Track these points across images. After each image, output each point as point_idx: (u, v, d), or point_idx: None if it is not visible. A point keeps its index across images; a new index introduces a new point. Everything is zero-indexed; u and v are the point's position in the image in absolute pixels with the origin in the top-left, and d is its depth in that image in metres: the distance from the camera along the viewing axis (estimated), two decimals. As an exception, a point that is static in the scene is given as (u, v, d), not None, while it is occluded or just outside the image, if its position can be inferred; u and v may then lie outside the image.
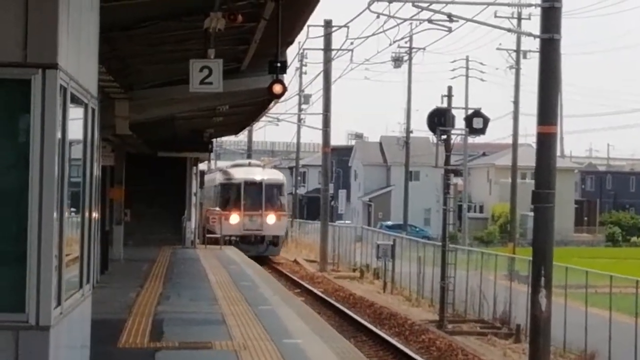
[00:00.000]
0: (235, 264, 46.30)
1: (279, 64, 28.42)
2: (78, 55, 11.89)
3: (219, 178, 73.92)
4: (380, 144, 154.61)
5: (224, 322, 25.42)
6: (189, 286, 35.45)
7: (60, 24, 10.66)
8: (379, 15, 46.59)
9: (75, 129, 12.16)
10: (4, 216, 10.69)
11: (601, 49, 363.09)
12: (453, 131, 49.60)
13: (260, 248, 63.28)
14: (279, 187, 67.49)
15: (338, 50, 77.32)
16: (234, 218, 64.09)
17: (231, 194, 68.26)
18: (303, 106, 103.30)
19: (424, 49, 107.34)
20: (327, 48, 77.92)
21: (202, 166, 76.94)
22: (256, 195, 65.18)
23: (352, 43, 78.76)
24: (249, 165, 73.38)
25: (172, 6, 18.71)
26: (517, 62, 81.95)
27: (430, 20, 47.34)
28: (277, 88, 29.63)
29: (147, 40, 23.66)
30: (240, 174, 67.95)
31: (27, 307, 10.42)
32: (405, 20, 50.02)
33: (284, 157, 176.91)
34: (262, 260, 58.86)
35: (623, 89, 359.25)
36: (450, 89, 53.05)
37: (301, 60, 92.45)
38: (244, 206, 64.96)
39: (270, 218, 63.48)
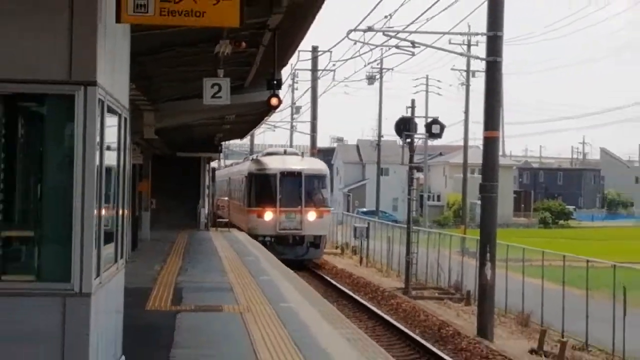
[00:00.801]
0: (240, 243, 45.99)
1: (275, 82, 28.69)
2: (112, 74, 11.86)
3: (249, 168, 55.10)
4: (357, 146, 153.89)
5: (231, 289, 25.43)
6: (203, 261, 35.41)
7: (98, 49, 10.63)
8: (355, 42, 47.03)
9: (111, 134, 12.15)
10: (54, 206, 10.69)
11: (538, 69, 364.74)
12: (416, 135, 49.90)
13: (299, 250, 47.48)
14: (321, 178, 51.28)
15: (322, 70, 77.39)
16: (268, 215, 47.83)
17: (264, 187, 49.80)
18: (295, 115, 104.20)
19: (392, 69, 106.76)
20: (314, 69, 77.79)
21: (214, 164, 75.84)
22: (294, 189, 48.56)
23: (334, 65, 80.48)
24: (285, 153, 56.21)
25: (189, 35, 18.64)
26: (467, 80, 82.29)
27: (397, 46, 47.57)
28: (274, 101, 29.90)
29: (168, 62, 23.63)
30: (275, 164, 50.40)
31: (72, 277, 10.40)
32: (377, 46, 50.31)
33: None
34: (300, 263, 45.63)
35: (554, 100, 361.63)
36: (413, 101, 53.58)
37: (293, 79, 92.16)
38: (279, 201, 47.83)
39: (311, 215, 47.50)
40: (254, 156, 63.43)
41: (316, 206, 48.51)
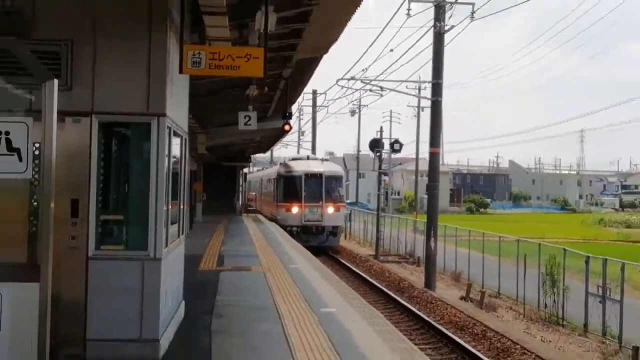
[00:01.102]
0: (263, 224, 46.01)
1: (287, 114, 28.91)
2: (176, 109, 11.87)
3: (278, 171, 51.08)
4: (343, 158, 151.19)
5: (257, 256, 25.39)
6: (238, 236, 35.32)
7: (167, 92, 10.64)
8: (342, 87, 47.48)
9: (176, 150, 12.17)
10: (137, 201, 10.70)
11: (467, 106, 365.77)
12: (383, 151, 49.94)
13: (320, 238, 44.64)
14: (337, 179, 48.31)
15: (319, 106, 77.46)
16: (295, 209, 45.18)
17: (291, 186, 46.57)
18: (301, 137, 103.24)
19: (367, 105, 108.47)
20: (314, 105, 77.28)
21: (245, 170, 75.53)
22: (316, 187, 45.69)
23: (327, 102, 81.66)
24: (308, 158, 52.47)
25: (228, 82, 18.61)
26: (418, 113, 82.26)
27: (370, 90, 47.94)
28: (286, 127, 30.15)
29: (214, 100, 23.57)
30: (300, 167, 47.57)
31: (149, 247, 10.42)
32: (356, 90, 51.35)
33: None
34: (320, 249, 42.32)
35: (477, 126, 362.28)
36: (381, 127, 53.20)
37: (299, 112, 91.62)
38: (304, 198, 45.16)
39: (330, 209, 45.05)
40: (282, 161, 59.54)
41: (334, 202, 45.81)
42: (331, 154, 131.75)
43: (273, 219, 47.62)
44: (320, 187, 45.27)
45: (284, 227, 42.05)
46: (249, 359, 10.77)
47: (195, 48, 11.79)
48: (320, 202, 44.57)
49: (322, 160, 53.27)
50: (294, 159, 52.56)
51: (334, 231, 45.54)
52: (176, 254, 12.62)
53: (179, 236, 12.93)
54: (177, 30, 11.54)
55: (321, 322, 13.57)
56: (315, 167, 47.30)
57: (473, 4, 33.16)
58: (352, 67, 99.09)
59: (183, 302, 13.58)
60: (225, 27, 13.11)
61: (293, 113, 38.59)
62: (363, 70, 55.23)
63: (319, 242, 43.47)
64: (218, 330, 12.59)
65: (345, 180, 53.85)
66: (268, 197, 56.63)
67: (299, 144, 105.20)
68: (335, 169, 49.30)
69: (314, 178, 45.72)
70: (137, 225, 10.68)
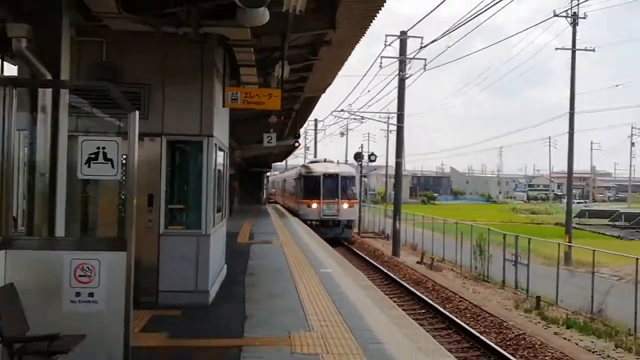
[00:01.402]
0: (280, 211, 46.01)
1: (297, 135, 28.76)
2: (220, 131, 11.86)
3: (299, 172, 43.91)
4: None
5: (276, 233, 25.36)
6: (263, 218, 35.36)
7: (215, 119, 10.64)
8: (335, 116, 47.80)
9: (220, 160, 12.17)
10: (194, 195, 10.67)
11: (421, 128, 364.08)
12: (363, 161, 49.71)
13: (337, 231, 38.72)
14: (351, 178, 41.95)
15: (319, 129, 77.59)
16: (314, 205, 39.20)
17: (311, 185, 40.01)
18: (306, 151, 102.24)
19: (352, 129, 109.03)
20: (315, 129, 77.59)
21: (268, 173, 75.03)
22: (333, 186, 39.62)
23: (324, 127, 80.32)
24: (325, 161, 45.65)
25: (256, 113, 18.54)
26: (387, 134, 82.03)
27: (354, 118, 47.73)
28: (296, 144, 30.30)
29: (247, 125, 23.47)
30: (319, 168, 41.44)
31: (202, 227, 10.42)
32: (345, 118, 51.00)
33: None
34: (336, 241, 36.83)
35: (428, 143, 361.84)
36: (362, 145, 54.30)
37: (305, 133, 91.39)
38: (322, 195, 39.21)
39: (345, 205, 39.18)
40: (303, 164, 48.86)
41: (348, 199, 39.88)
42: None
43: (295, 214, 41.49)
44: (336, 185, 39.84)
45: (305, 221, 36.59)
46: (269, 302, 10.75)
47: (233, 89, 11.82)
48: (337, 199, 39.29)
49: (338, 162, 48.33)
50: (312, 162, 47.13)
51: (349, 224, 40.38)
52: (220, 232, 12.62)
53: (222, 219, 12.93)
54: (220, 77, 11.54)
55: (320, 278, 13.59)
56: (332, 168, 42.17)
57: (425, 59, 33.13)
58: (341, 103, 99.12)
59: (225, 265, 13.58)
60: (254, 75, 13.13)
61: (301, 134, 38.38)
62: (349, 105, 56.62)
63: (335, 234, 38.21)
64: (249, 284, 12.59)
65: (357, 181, 46.20)
66: (290, 194, 48.91)
67: (305, 156, 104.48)
68: (349, 170, 43.89)
69: (331, 178, 40.29)
70: (193, 212, 10.67)
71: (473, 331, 15.17)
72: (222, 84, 11.68)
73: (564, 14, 29.95)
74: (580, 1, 29.17)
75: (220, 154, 12.08)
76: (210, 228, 10.64)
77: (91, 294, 6.21)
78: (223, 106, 11.68)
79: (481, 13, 16.61)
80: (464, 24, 16.06)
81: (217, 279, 11.91)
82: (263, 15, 8.53)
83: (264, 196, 64.73)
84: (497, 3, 13.42)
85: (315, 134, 75.25)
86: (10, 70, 10.85)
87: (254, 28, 9.57)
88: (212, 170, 10.75)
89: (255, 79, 13.33)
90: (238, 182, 46.25)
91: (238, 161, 38.47)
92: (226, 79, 12.24)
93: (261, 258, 17.03)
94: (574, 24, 30.17)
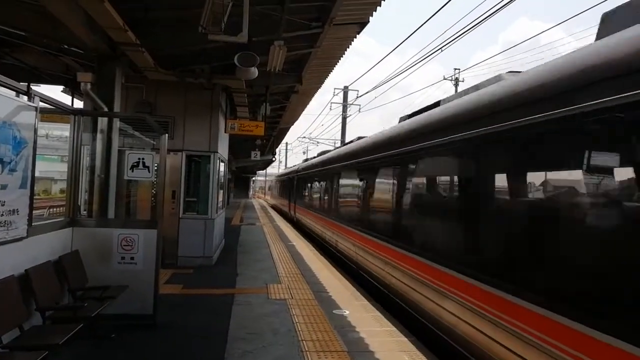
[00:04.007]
0: (261, 204, 45.50)
1: (274, 153, 28.38)
2: (222, 148, 11.74)
3: (291, 177, 30.66)
4: None
5: (259, 219, 25.11)
6: (250, 209, 34.95)
7: (219, 140, 10.53)
8: (300, 141, 46.85)
9: (222, 169, 12.02)
10: (203, 191, 10.52)
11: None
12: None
13: None
14: None
15: (288, 150, 77.16)
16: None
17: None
18: (280, 163, 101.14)
19: (311, 149, 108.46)
20: (286, 150, 76.37)
21: (254, 178, 74.15)
22: None
23: (292, 148, 79.33)
24: None
25: (246, 137, 18.44)
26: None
27: (314, 143, 47.34)
28: (273, 159, 29.59)
29: (240, 146, 23.19)
30: None
31: (208, 213, 10.27)
32: (306, 143, 50.24)
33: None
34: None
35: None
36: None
37: (279, 151, 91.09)
38: None
39: None
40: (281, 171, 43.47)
41: None
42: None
43: (285, 213, 29.57)
44: None
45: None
46: (254, 265, 10.62)
47: (232, 121, 11.69)
48: None
49: None
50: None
51: None
52: (221, 217, 12.48)
53: (222, 208, 12.79)
54: (223, 112, 11.44)
55: (288, 248, 13.52)
56: None
57: (360, 105, 33.46)
58: (304, 131, 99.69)
59: (224, 239, 13.41)
60: (246, 112, 13.05)
61: (276, 152, 38.15)
62: (310, 133, 55.85)
63: None
64: (240, 252, 12.42)
65: None
66: (281, 195, 36.77)
67: (278, 167, 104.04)
68: None
69: None
70: (203, 203, 10.52)
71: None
72: (224, 117, 11.59)
73: (450, 79, 30.64)
74: (460, 71, 29.90)
75: (222, 164, 11.96)
76: (214, 214, 10.51)
77: (132, 258, 6.10)
78: (225, 132, 11.57)
79: (397, 76, 16.77)
80: (385, 83, 16.27)
81: (218, 249, 11.77)
82: (253, 72, 8.53)
83: (251, 193, 64.48)
84: (407, 70, 13.63)
85: (286, 152, 74.62)
86: (78, 104, 10.67)
87: (247, 81, 9.55)
88: (216, 175, 10.65)
89: (247, 114, 13.24)
90: (233, 184, 45.82)
91: (234, 169, 38.07)
92: (227, 114, 12.14)
93: (248, 235, 16.85)
94: (456, 85, 30.90)
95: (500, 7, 8.04)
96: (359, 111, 33.57)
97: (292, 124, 21.34)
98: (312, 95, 13.96)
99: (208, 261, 10.27)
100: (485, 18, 8.67)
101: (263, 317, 6.40)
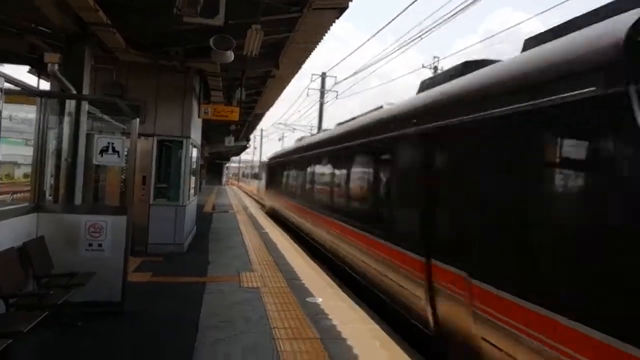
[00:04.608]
0: (235, 190, 45.27)
1: (248, 139, 28.21)
2: (195, 134, 11.65)
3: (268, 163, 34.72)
4: None
5: (232, 206, 25.04)
6: (223, 195, 34.75)
7: (192, 125, 10.45)
8: (275, 127, 46.61)
9: (194, 154, 11.94)
10: (175, 178, 10.46)
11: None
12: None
13: None
14: None
15: (263, 137, 76.70)
16: None
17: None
18: (254, 150, 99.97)
19: (287, 136, 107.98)
20: (261, 136, 75.97)
21: (227, 165, 73.38)
22: None
23: (267, 134, 78.79)
24: None
25: (221, 123, 18.31)
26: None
27: (289, 130, 47.13)
28: (248, 145, 29.46)
29: (214, 130, 22.93)
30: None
31: (179, 200, 10.23)
32: (282, 129, 49.94)
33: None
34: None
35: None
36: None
37: (254, 138, 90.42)
38: None
39: None
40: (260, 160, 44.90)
41: None
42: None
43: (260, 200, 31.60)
44: None
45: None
46: (226, 252, 10.64)
47: (205, 106, 11.61)
48: None
49: None
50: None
51: None
52: (193, 203, 12.41)
53: (194, 195, 12.73)
54: (197, 97, 11.35)
55: (261, 235, 13.56)
56: None
57: (337, 91, 33.47)
58: (280, 117, 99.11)
59: (195, 227, 13.37)
60: (221, 97, 12.95)
61: (251, 138, 37.83)
62: (286, 120, 55.84)
63: None
64: (212, 239, 12.43)
65: None
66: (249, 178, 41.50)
67: (253, 154, 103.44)
68: None
69: None
70: (174, 189, 10.46)
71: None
72: (198, 102, 11.49)
73: (429, 67, 30.96)
74: (439, 59, 30.26)
75: (194, 149, 11.88)
76: (186, 201, 10.47)
77: (100, 245, 6.07)
78: (198, 117, 11.48)
79: (376, 63, 16.87)
80: (364, 69, 16.33)
81: (190, 236, 11.74)
82: (229, 56, 8.48)
83: (224, 179, 64.02)
84: (387, 57, 13.75)
85: (261, 138, 74.20)
86: (45, 85, 10.44)
87: (223, 64, 9.48)
88: (188, 160, 10.58)
89: (222, 98, 13.15)
90: (206, 170, 45.38)
91: (206, 155, 37.69)
92: (201, 98, 12.04)
93: (221, 222, 16.81)
94: (435, 72, 31.21)
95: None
96: (337, 98, 33.61)
97: (268, 110, 21.23)
98: (289, 81, 13.90)
99: (179, 249, 10.25)
100: (465, 7, 8.79)
101: (235, 305, 6.44)
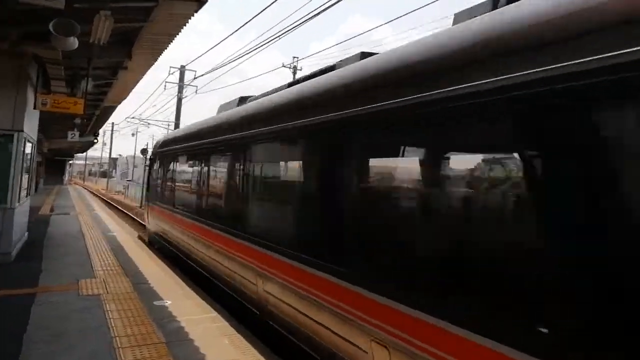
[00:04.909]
0: (79, 190, 41.70)
1: (96, 134, 26.22)
2: (30, 127, 10.48)
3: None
4: (126, 157, 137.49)
5: (74, 206, 23.03)
6: (64, 196, 31.84)
7: (25, 118, 9.36)
8: (128, 122, 43.67)
9: (28, 150, 10.72)
10: (2, 176, 9.26)
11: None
12: (148, 155, 46.48)
13: None
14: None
15: (115, 131, 71.38)
16: None
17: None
18: (103, 146, 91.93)
19: (140, 131, 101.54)
20: (112, 130, 69.91)
21: (71, 162, 67.29)
22: None
23: (119, 129, 72.93)
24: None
25: (63, 115, 16.73)
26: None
27: (142, 124, 44.66)
28: (95, 141, 27.37)
29: (54, 123, 20.86)
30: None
31: (8, 202, 9.11)
32: (136, 124, 47.03)
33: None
34: None
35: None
36: (147, 143, 50.40)
37: (104, 132, 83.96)
38: None
39: None
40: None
41: None
42: (120, 155, 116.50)
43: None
44: None
45: None
46: (63, 259, 9.69)
47: (44, 96, 10.49)
48: None
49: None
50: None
51: None
52: (25, 206, 11.10)
53: (26, 196, 11.39)
54: (33, 85, 10.18)
55: (107, 239, 12.63)
56: None
57: (196, 86, 32.67)
58: (134, 111, 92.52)
59: (27, 232, 11.95)
60: (64, 86, 11.81)
61: (99, 133, 35.20)
62: (140, 114, 52.40)
63: None
64: (47, 246, 11.23)
65: None
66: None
67: (102, 150, 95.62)
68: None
69: None
70: (2, 190, 9.23)
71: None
72: (34, 91, 10.30)
73: (289, 66, 31.86)
74: (298, 59, 31.73)
75: (28, 145, 10.63)
76: (15, 203, 9.30)
77: None
78: (34, 108, 10.30)
79: (237, 59, 16.74)
80: (224, 65, 16.17)
81: (19, 242, 10.46)
82: (73, 42, 7.72)
83: (66, 178, 58.45)
84: (247, 53, 13.72)
85: (112, 133, 69.28)
86: None
87: (65, 51, 8.61)
88: (20, 157, 9.42)
89: (64, 89, 11.95)
90: (44, 167, 41.07)
91: (45, 151, 34.10)
92: (39, 87, 10.80)
93: (59, 226, 15.32)
94: (294, 73, 32.24)
95: (334, 3, 8.56)
96: (196, 92, 32.75)
97: (120, 103, 19.86)
98: (144, 73, 13.12)
99: (6, 258, 9.09)
100: (320, 12, 9.14)
101: (71, 315, 6.01)
